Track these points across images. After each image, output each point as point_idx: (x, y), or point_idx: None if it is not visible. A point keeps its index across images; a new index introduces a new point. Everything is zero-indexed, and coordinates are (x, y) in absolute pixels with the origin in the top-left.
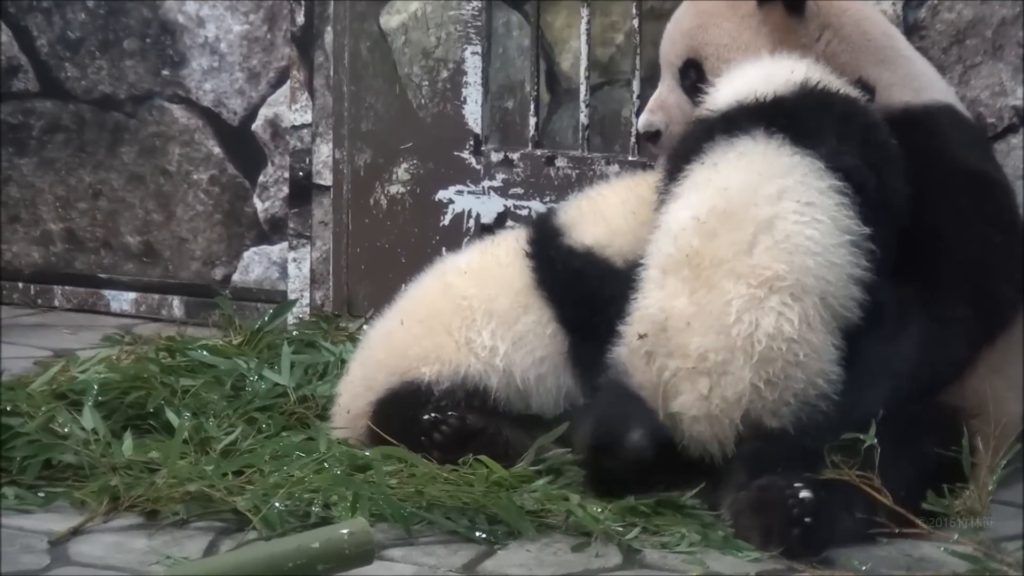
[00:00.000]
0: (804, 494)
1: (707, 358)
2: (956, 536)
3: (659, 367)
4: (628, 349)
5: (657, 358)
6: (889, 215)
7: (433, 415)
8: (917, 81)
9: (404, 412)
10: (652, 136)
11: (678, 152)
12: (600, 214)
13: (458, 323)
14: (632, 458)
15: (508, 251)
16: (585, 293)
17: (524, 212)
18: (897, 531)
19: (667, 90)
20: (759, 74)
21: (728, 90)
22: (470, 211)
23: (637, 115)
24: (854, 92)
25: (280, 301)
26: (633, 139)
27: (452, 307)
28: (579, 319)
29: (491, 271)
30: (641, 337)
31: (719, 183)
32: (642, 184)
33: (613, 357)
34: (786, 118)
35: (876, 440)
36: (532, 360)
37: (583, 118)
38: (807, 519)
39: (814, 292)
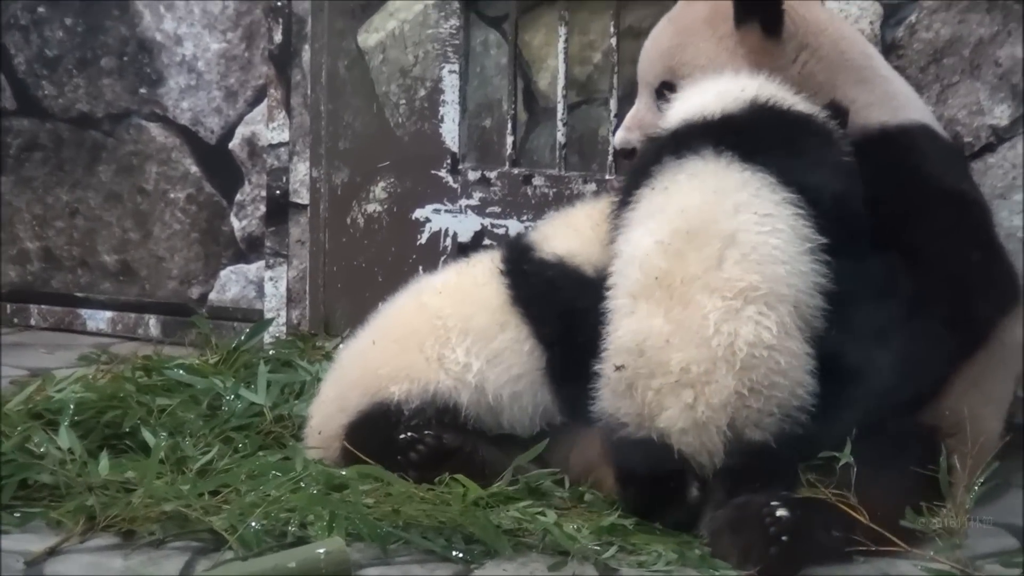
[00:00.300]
0: (781, 512)
1: (690, 370)
2: (932, 553)
3: (642, 389)
4: (611, 390)
5: (639, 382)
6: (846, 229)
7: (409, 434)
8: (895, 100)
9: (377, 433)
10: (628, 153)
11: (628, 176)
12: (570, 227)
13: (431, 341)
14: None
15: (484, 271)
16: (559, 302)
17: (501, 231)
18: (874, 549)
19: (644, 108)
20: (709, 93)
21: (678, 110)
22: (447, 230)
23: (614, 133)
24: (808, 108)
25: (257, 320)
26: (611, 157)
27: (427, 326)
28: (555, 332)
29: (468, 290)
30: (618, 368)
31: (675, 206)
32: (607, 204)
33: (599, 401)
34: (735, 135)
35: (853, 458)
36: (508, 377)
37: (560, 137)
38: (784, 537)
39: (788, 300)
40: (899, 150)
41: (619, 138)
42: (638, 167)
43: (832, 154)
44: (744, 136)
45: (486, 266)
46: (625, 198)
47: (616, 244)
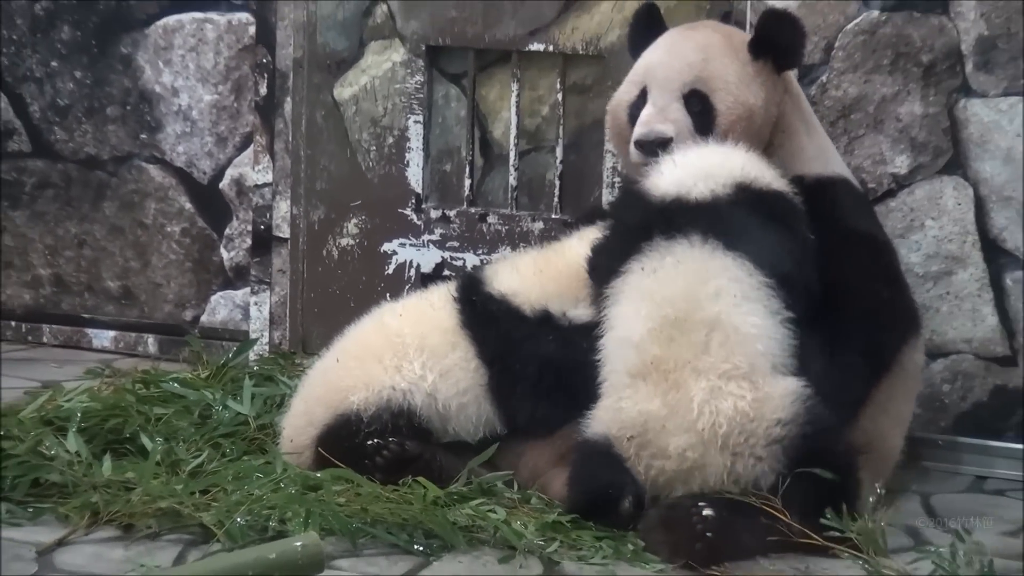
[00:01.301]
0: (707, 512)
1: (686, 457)
2: (845, 548)
3: (646, 466)
4: (613, 437)
5: (643, 458)
6: (807, 295)
7: (376, 441)
8: (826, 154)
9: (342, 443)
10: (664, 143)
11: (620, 237)
12: (515, 269)
13: (390, 355)
14: (624, 521)
15: (440, 298)
16: (500, 332)
17: (460, 262)
18: (792, 540)
19: (674, 110)
20: (699, 167)
21: (671, 179)
22: (411, 261)
23: (560, 178)
24: (782, 185)
25: (243, 340)
26: (632, 146)
27: (386, 343)
28: (497, 356)
29: (425, 313)
30: (630, 439)
31: (664, 294)
32: (550, 251)
33: (593, 426)
34: (720, 222)
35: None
36: (456, 391)
37: (512, 180)
38: (709, 534)
39: (765, 368)
40: (828, 201)
41: (656, 128)
42: (631, 232)
43: (800, 233)
44: (728, 223)
45: (442, 294)
46: (616, 264)
47: (607, 311)
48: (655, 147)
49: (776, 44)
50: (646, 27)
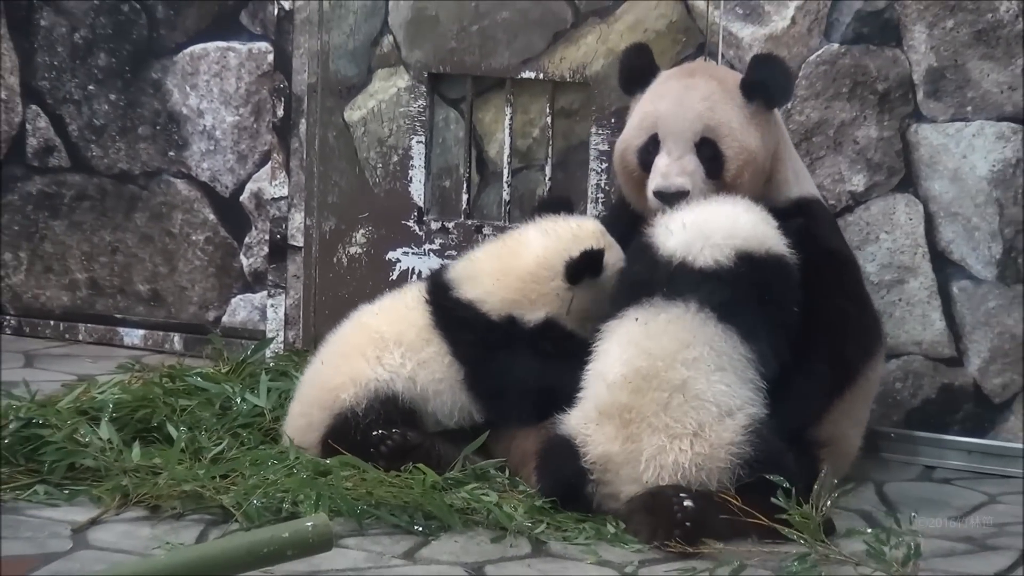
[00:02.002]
0: (688, 503)
1: (633, 502)
2: (803, 535)
3: (601, 498)
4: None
5: (600, 492)
6: (783, 362)
7: (380, 431)
8: (801, 176)
9: (346, 440)
10: (683, 195)
11: (626, 283)
12: (476, 278)
13: (371, 349)
14: (588, 506)
15: (413, 298)
16: (470, 337)
17: None
18: (756, 523)
19: (688, 161)
20: (706, 233)
21: (679, 241)
22: (414, 268)
23: (548, 194)
24: (780, 247)
25: (260, 339)
26: (651, 194)
27: (367, 339)
28: (468, 356)
29: (400, 312)
30: (593, 464)
31: (646, 346)
32: (505, 248)
33: (563, 427)
34: (720, 293)
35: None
36: (433, 379)
37: (505, 195)
38: (688, 524)
39: (713, 423)
40: (803, 220)
41: (676, 182)
42: (636, 282)
43: (790, 304)
44: (726, 295)
45: (414, 294)
46: (616, 308)
47: (599, 345)
48: (674, 199)
49: (766, 86)
50: (639, 67)
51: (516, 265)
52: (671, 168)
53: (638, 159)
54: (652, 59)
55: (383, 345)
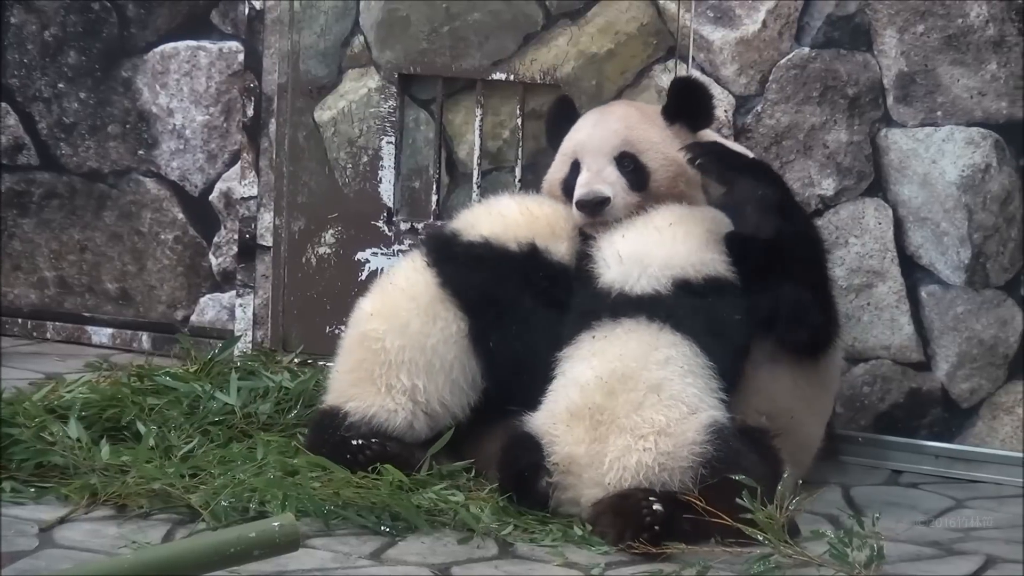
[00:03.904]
0: (656, 507)
1: (595, 506)
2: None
3: (563, 501)
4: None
5: (565, 493)
6: (737, 371)
7: (359, 441)
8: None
9: (323, 435)
10: (603, 201)
11: (573, 314)
12: (495, 212)
13: (378, 371)
14: (540, 501)
15: (405, 275)
16: (485, 275)
17: None
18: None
19: (610, 172)
20: (642, 264)
21: (616, 273)
22: (382, 269)
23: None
24: (721, 266)
25: (229, 338)
26: (574, 208)
27: (373, 359)
28: (480, 301)
29: (396, 301)
30: (555, 465)
31: (615, 352)
32: (532, 199)
33: (528, 424)
34: (664, 312)
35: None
36: (444, 375)
37: (475, 197)
38: (656, 527)
39: (679, 421)
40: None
41: (594, 189)
42: (582, 312)
43: (734, 317)
44: (670, 314)
45: (407, 269)
46: (570, 334)
47: (560, 366)
48: (595, 206)
49: (686, 110)
50: (563, 117)
51: (537, 206)
52: (591, 179)
53: (562, 189)
54: (574, 108)
55: (384, 360)
